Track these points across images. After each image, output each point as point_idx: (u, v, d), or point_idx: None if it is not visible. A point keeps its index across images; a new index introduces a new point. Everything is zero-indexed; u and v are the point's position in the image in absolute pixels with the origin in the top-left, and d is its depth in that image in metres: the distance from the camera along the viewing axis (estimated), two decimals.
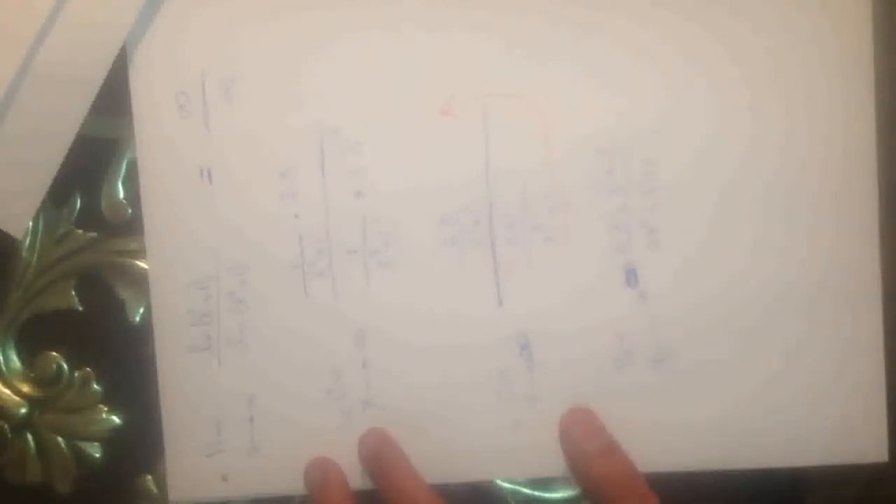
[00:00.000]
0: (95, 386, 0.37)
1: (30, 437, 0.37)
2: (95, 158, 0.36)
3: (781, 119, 0.34)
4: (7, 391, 0.37)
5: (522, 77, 0.34)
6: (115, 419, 0.37)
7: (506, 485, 0.36)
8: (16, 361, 0.37)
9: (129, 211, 0.36)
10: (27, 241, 0.37)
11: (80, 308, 0.37)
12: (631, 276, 0.35)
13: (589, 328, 0.35)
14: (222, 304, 0.35)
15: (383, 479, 0.34)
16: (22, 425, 0.37)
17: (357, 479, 0.35)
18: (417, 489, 0.33)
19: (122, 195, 0.37)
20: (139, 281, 0.36)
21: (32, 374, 0.37)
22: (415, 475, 0.34)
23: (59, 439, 0.37)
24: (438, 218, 0.35)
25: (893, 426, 0.34)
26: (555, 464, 0.35)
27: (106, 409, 0.37)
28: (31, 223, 0.37)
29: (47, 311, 0.37)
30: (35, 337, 0.37)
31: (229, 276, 0.35)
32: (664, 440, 0.34)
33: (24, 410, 0.37)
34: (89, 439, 0.37)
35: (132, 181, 0.36)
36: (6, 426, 0.37)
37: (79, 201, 0.37)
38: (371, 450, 0.34)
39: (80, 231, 0.37)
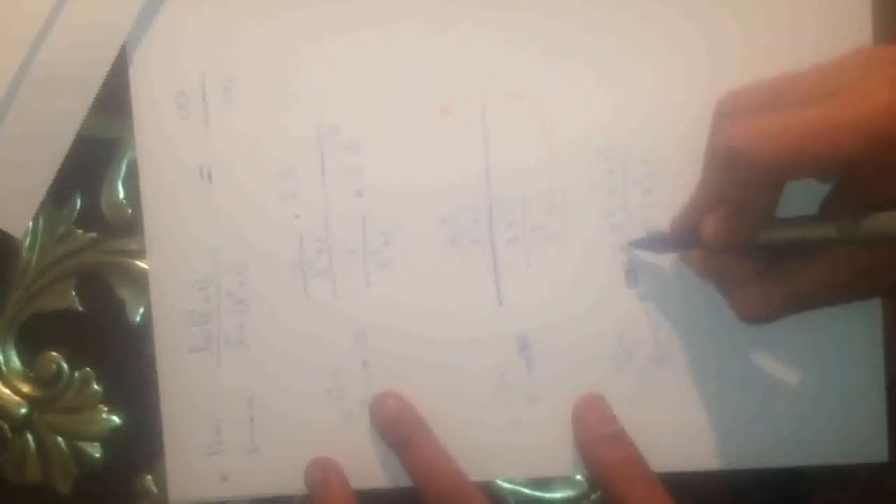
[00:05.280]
0: (95, 386, 0.37)
1: (30, 437, 0.37)
2: (95, 158, 0.36)
3: None
4: (7, 391, 0.37)
5: (522, 77, 0.34)
6: (115, 419, 0.37)
7: (506, 485, 0.36)
8: (16, 361, 0.37)
9: (129, 211, 0.36)
10: (27, 241, 0.37)
11: (80, 308, 0.37)
12: (631, 276, 0.35)
13: (589, 328, 0.35)
14: (222, 304, 0.35)
15: (404, 447, 0.34)
16: (22, 425, 0.37)
17: (358, 478, 0.35)
18: (441, 459, 0.33)
19: (122, 195, 0.37)
20: (139, 281, 0.36)
21: (32, 374, 0.37)
22: (438, 443, 0.34)
23: (59, 439, 0.37)
24: (438, 218, 0.35)
25: (893, 426, 0.34)
26: (555, 464, 0.35)
27: (106, 409, 0.37)
28: (31, 223, 0.37)
29: (47, 311, 0.37)
30: (35, 337, 0.37)
31: (229, 276, 0.35)
32: (663, 440, 0.34)
33: (24, 410, 0.37)
34: (89, 439, 0.37)
35: (132, 181, 0.36)
36: (6, 426, 0.37)
37: (79, 201, 0.37)
38: (393, 414, 0.34)
39: (80, 231, 0.37)
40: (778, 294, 0.29)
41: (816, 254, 0.28)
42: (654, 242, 0.34)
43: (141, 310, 0.37)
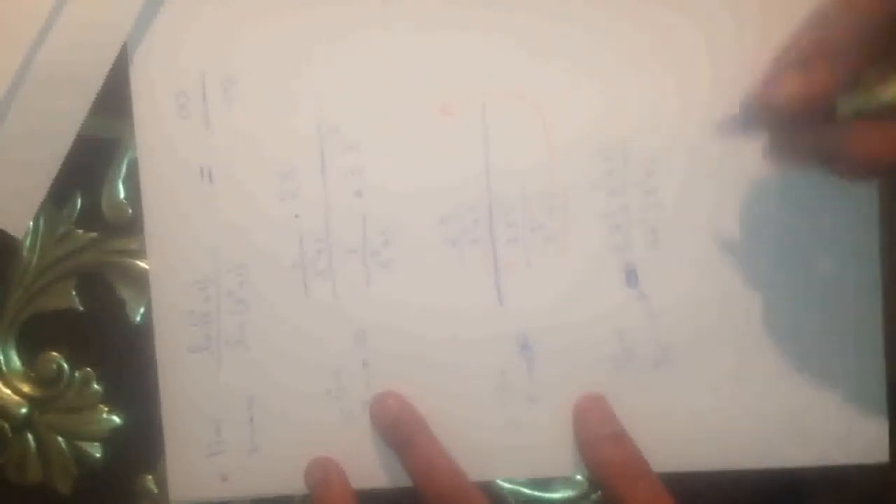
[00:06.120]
0: (95, 386, 0.37)
1: (30, 437, 0.37)
2: (95, 158, 0.36)
3: None
4: (7, 391, 0.37)
5: (522, 77, 0.34)
6: (115, 419, 0.37)
7: (506, 485, 0.36)
8: (16, 361, 0.37)
9: (130, 211, 0.36)
10: (27, 241, 0.37)
11: (81, 308, 0.37)
12: (631, 276, 0.35)
13: (589, 328, 0.35)
14: (222, 304, 0.35)
15: (404, 447, 0.34)
16: (22, 425, 0.37)
17: (358, 478, 0.35)
18: (441, 459, 0.33)
19: (122, 195, 0.37)
20: (139, 281, 0.36)
21: (33, 374, 0.37)
22: (438, 443, 0.34)
23: (59, 439, 0.37)
24: (438, 218, 0.35)
25: (893, 426, 0.34)
26: (555, 464, 0.35)
27: (106, 409, 0.37)
28: (31, 223, 0.37)
29: (47, 311, 0.37)
30: (35, 337, 0.37)
31: (229, 276, 0.35)
32: (663, 440, 0.34)
33: (24, 410, 0.37)
34: (89, 439, 0.37)
35: (132, 181, 0.36)
36: (6, 426, 0.37)
37: (79, 201, 0.37)
38: (393, 415, 0.34)
39: (81, 231, 0.37)
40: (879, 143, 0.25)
41: None
42: (742, 122, 0.30)
43: (141, 310, 0.37)
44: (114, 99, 0.35)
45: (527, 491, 0.36)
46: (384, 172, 0.35)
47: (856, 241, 0.34)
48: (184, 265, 0.35)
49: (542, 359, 0.35)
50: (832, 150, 0.26)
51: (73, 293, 0.37)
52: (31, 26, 0.34)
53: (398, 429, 0.34)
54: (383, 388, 0.35)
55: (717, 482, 0.35)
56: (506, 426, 0.35)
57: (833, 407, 0.34)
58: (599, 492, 0.36)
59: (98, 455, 0.37)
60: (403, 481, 0.34)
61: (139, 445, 0.37)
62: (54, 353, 0.37)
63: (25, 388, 0.37)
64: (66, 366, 0.37)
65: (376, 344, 0.35)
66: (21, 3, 0.34)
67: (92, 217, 0.37)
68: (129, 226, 0.36)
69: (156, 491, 0.37)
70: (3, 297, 0.37)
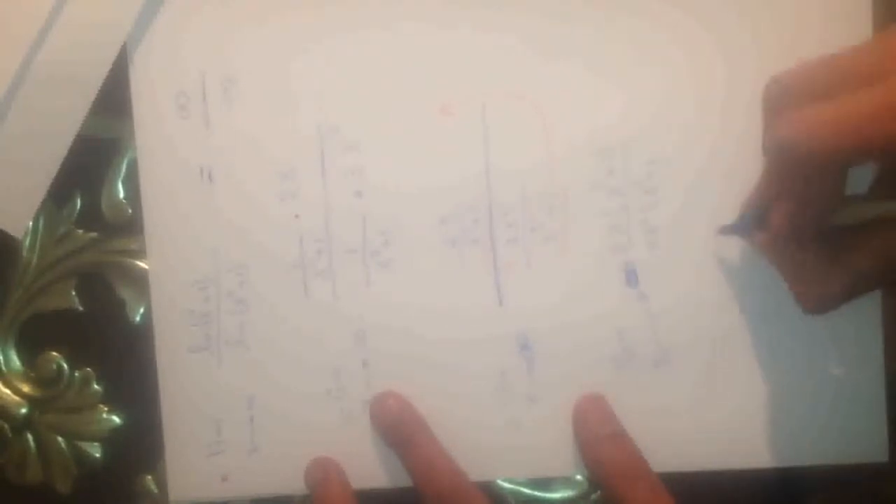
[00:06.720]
0: (95, 386, 0.37)
1: (30, 437, 0.37)
2: (95, 158, 0.36)
3: None
4: (7, 391, 0.37)
5: (522, 77, 0.34)
6: (115, 419, 0.37)
7: (506, 485, 0.36)
8: (16, 361, 0.37)
9: (130, 211, 0.36)
10: (27, 241, 0.37)
11: (80, 308, 0.37)
12: (631, 276, 0.35)
13: (589, 328, 0.35)
14: (222, 304, 0.35)
15: (405, 447, 0.34)
16: (22, 425, 0.37)
17: (358, 478, 0.35)
18: (441, 459, 0.34)
19: (122, 195, 0.37)
20: (139, 281, 0.36)
21: (33, 374, 0.37)
22: (438, 443, 0.34)
23: (59, 439, 0.37)
24: (438, 218, 0.35)
25: (893, 426, 0.34)
26: (555, 464, 0.35)
27: (106, 409, 0.37)
28: (31, 223, 0.37)
29: (47, 311, 0.37)
30: (35, 337, 0.37)
31: (229, 276, 0.35)
32: (663, 440, 0.34)
33: (24, 410, 0.37)
34: (89, 439, 0.37)
35: (132, 181, 0.36)
36: (6, 426, 0.37)
37: (79, 201, 0.37)
38: (394, 415, 0.34)
39: (81, 231, 0.37)
40: (835, 281, 0.29)
41: (870, 235, 0.28)
42: (735, 228, 0.33)
43: (141, 310, 0.37)
44: (114, 99, 0.35)
45: (527, 491, 0.36)
46: (384, 172, 0.35)
47: None
48: (184, 265, 0.35)
49: (542, 359, 0.35)
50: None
51: (73, 293, 0.37)
52: (31, 26, 0.34)
53: (398, 429, 0.34)
54: (383, 388, 0.35)
55: (717, 482, 0.35)
56: (506, 426, 0.35)
57: (833, 407, 0.34)
58: (599, 492, 0.36)
59: (98, 455, 0.37)
60: (403, 481, 0.35)
61: (139, 445, 0.37)
62: (54, 353, 0.37)
63: (25, 388, 0.37)
64: (66, 366, 0.37)
65: (376, 344, 0.35)
66: (21, 3, 0.34)
67: (92, 217, 0.37)
68: (129, 226, 0.36)
69: (156, 491, 0.37)
70: (3, 297, 0.37)
